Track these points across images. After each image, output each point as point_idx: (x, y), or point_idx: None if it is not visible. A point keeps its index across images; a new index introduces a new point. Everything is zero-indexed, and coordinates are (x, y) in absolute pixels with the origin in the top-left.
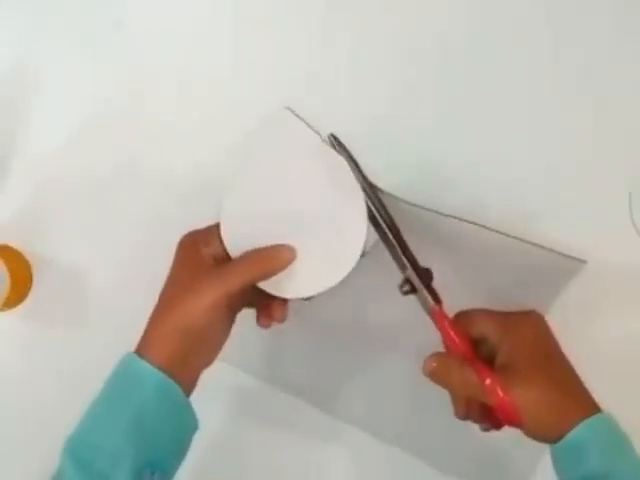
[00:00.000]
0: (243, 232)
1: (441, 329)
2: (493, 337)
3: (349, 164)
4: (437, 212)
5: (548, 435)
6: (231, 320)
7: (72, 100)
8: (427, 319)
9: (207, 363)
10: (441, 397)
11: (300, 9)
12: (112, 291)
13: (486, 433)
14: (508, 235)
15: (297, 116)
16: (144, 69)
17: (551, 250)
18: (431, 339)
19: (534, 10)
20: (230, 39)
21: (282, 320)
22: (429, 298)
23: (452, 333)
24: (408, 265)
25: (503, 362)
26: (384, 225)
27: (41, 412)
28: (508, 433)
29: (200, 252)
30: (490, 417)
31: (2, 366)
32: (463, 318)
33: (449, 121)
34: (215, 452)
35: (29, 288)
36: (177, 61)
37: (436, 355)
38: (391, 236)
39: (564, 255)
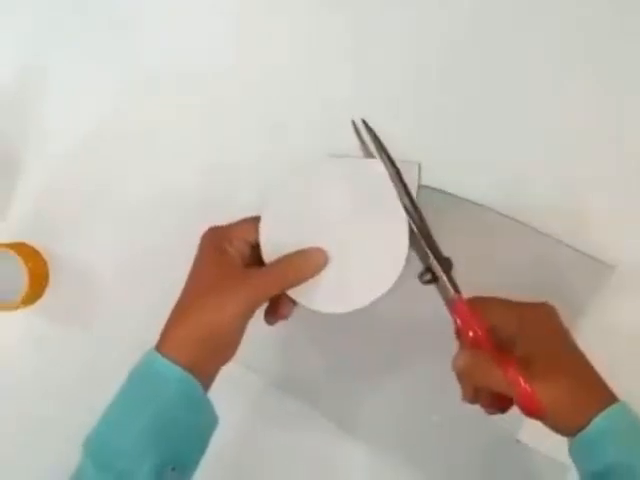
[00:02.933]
0: (281, 239)
1: (460, 318)
2: (508, 327)
3: (378, 152)
4: (471, 201)
5: (568, 427)
6: (250, 319)
7: (87, 99)
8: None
9: (226, 361)
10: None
11: (301, 10)
12: (127, 289)
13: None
14: (539, 232)
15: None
16: (148, 69)
17: (581, 252)
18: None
19: (536, 8)
20: (231, 40)
21: (286, 317)
22: (449, 286)
23: (472, 323)
24: (430, 253)
25: (522, 353)
26: (407, 214)
27: (56, 408)
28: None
29: (226, 251)
30: (498, 401)
31: (18, 362)
32: (478, 304)
33: (456, 120)
34: (224, 451)
35: (45, 286)
36: (179, 61)
37: (465, 352)
38: (414, 225)
39: (593, 258)
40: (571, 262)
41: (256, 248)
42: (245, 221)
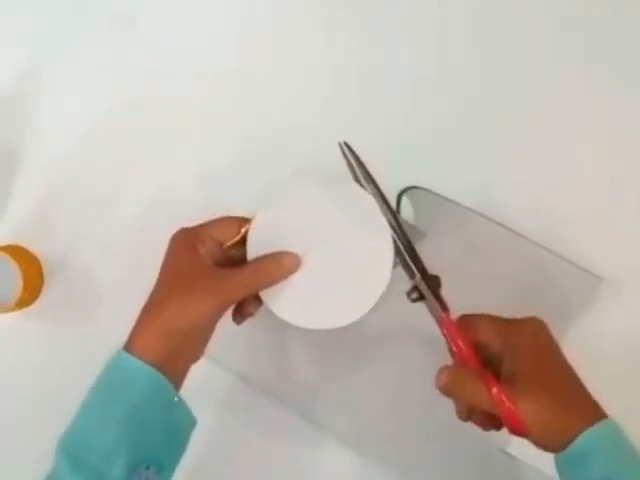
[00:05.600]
0: (268, 243)
1: (448, 337)
2: (495, 344)
3: (362, 173)
4: (460, 205)
5: (554, 444)
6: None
7: (84, 100)
8: (419, 333)
9: (196, 359)
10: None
11: (302, 11)
12: (123, 291)
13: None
14: (529, 240)
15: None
16: (148, 69)
17: (571, 262)
18: (421, 355)
19: (535, 8)
20: (232, 40)
21: (252, 315)
22: (437, 306)
23: (459, 341)
24: (417, 273)
25: (508, 371)
26: (393, 233)
27: (52, 411)
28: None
29: (197, 251)
30: (492, 419)
31: (14, 365)
32: (466, 322)
33: (455, 120)
34: (200, 452)
35: (40, 288)
36: (179, 61)
37: (448, 369)
38: (400, 244)
39: (581, 269)
40: (560, 272)
41: (226, 249)
42: (218, 221)
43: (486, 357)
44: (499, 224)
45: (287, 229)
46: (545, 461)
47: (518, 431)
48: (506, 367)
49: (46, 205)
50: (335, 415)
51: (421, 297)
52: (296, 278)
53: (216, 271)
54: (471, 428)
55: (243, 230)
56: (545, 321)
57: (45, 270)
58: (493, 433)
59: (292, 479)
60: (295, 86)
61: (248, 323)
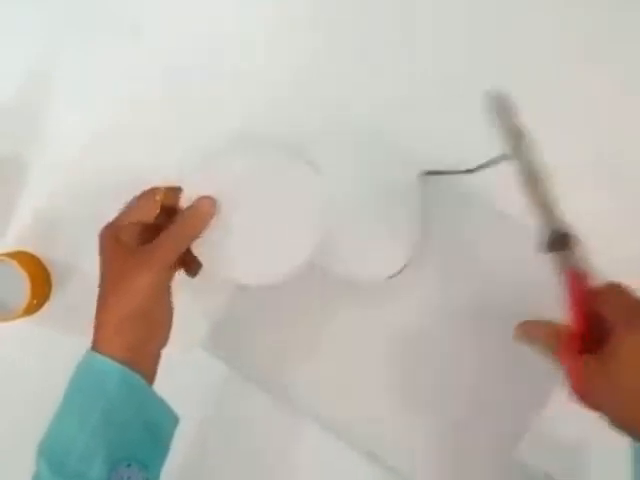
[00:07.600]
0: None
1: (569, 293)
2: (613, 322)
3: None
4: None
5: (635, 428)
6: (170, 291)
7: (90, 106)
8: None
9: (162, 343)
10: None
11: (302, 11)
12: None
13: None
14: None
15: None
16: (157, 69)
17: None
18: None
19: (534, 6)
20: (233, 40)
21: (197, 267)
22: (572, 260)
23: (573, 299)
24: (564, 224)
25: (608, 350)
26: (532, 179)
27: None
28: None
29: (120, 240)
30: None
31: (21, 372)
32: (597, 290)
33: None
34: (191, 445)
35: (48, 294)
36: (189, 61)
37: (521, 324)
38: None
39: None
40: None
41: (154, 222)
42: (132, 204)
43: (598, 327)
44: (507, 216)
45: (218, 192)
46: (556, 467)
47: (581, 398)
48: (610, 345)
49: (55, 211)
50: (334, 412)
51: (558, 248)
52: (225, 236)
53: (141, 248)
54: (478, 432)
55: (157, 198)
56: None
57: (53, 276)
58: (501, 437)
59: (288, 476)
60: (295, 86)
61: (242, 314)
